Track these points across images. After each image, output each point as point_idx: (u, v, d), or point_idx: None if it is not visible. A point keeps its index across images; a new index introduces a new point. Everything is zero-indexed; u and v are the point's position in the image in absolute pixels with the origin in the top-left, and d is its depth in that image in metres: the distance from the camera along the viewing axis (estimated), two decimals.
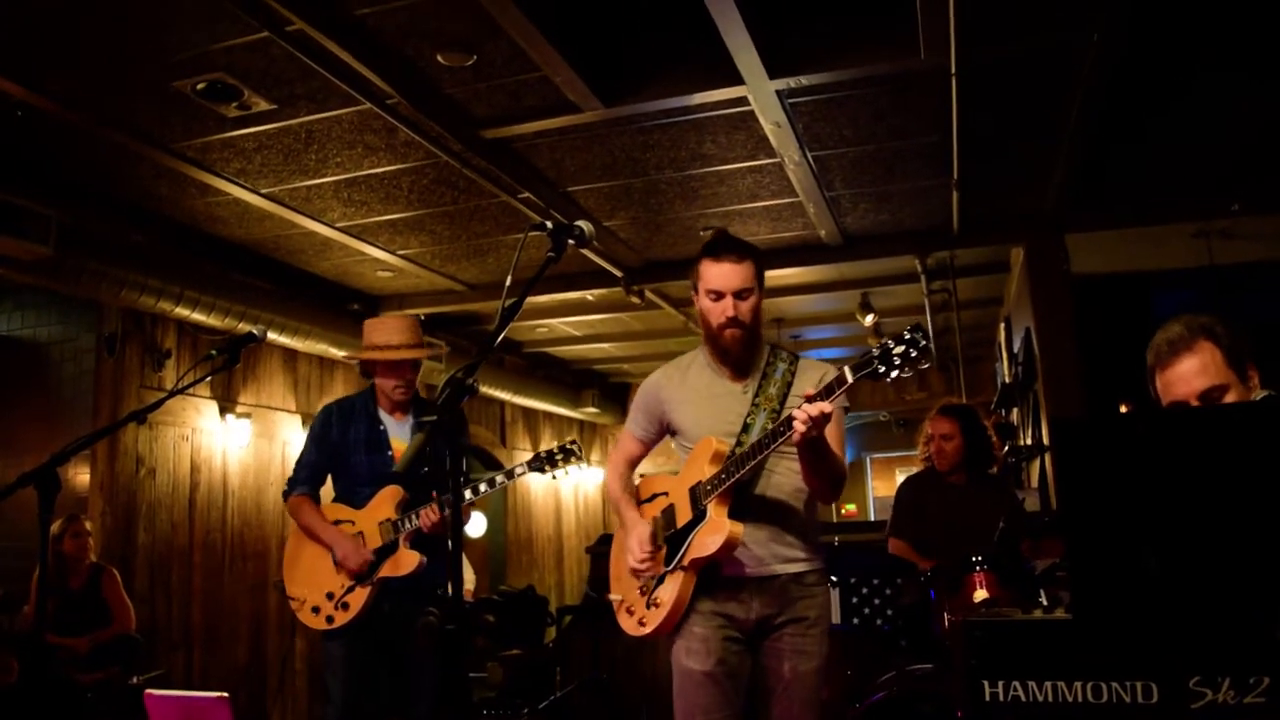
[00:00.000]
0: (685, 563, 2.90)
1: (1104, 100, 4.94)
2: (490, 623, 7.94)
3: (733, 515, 2.85)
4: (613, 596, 3.20)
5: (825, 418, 2.57)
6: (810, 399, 2.57)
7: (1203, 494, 1.60)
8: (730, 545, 2.81)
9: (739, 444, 2.93)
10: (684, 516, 2.97)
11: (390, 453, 3.95)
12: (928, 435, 4.81)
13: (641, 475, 3.34)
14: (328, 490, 4.10)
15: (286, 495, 4.02)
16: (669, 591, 2.93)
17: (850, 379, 2.60)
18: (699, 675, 2.88)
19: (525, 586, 9.07)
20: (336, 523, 3.88)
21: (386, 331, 3.99)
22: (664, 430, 3.22)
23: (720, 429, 3.00)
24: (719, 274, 2.97)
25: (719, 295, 2.97)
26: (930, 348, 2.55)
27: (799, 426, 2.57)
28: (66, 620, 5.50)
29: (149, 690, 3.02)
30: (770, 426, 2.90)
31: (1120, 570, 1.63)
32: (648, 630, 3.00)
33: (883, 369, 2.57)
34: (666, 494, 3.09)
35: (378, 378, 4.00)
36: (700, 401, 3.08)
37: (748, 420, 2.97)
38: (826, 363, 3.10)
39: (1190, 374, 2.30)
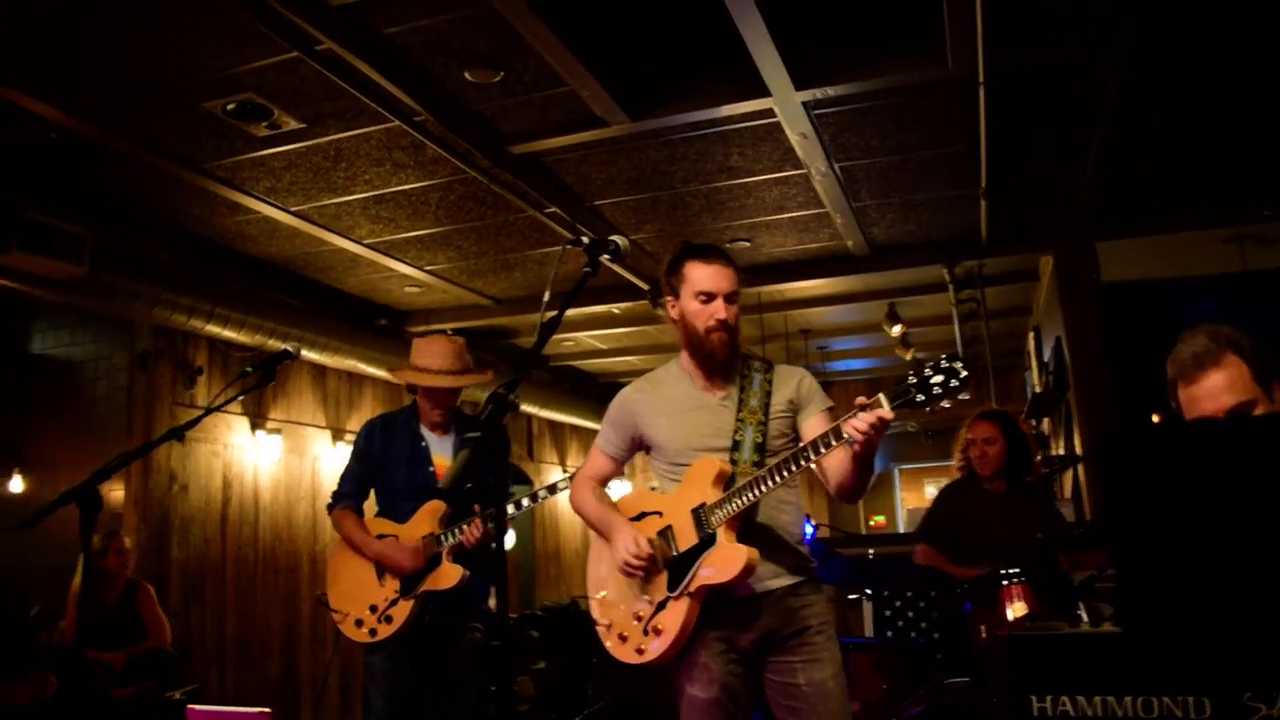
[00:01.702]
0: (692, 589, 2.77)
1: (1133, 105, 4.91)
2: (534, 639, 7.93)
3: (741, 536, 2.76)
4: (599, 620, 3.03)
5: (885, 424, 2.48)
6: (863, 408, 2.49)
7: (1251, 505, 1.58)
8: (748, 571, 2.70)
9: (733, 462, 2.84)
10: (687, 540, 2.83)
11: (431, 468, 3.97)
12: (968, 441, 4.74)
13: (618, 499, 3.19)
14: (370, 505, 4.13)
15: (331, 508, 4.05)
16: (672, 619, 2.79)
17: (889, 414, 2.48)
18: (703, 702, 2.78)
19: (569, 602, 9.06)
20: (380, 536, 3.91)
21: (430, 355, 4.00)
22: (636, 446, 3.09)
23: (701, 443, 2.90)
24: (710, 275, 2.90)
25: (710, 297, 2.88)
26: (970, 378, 2.46)
27: (858, 435, 2.49)
28: (101, 635, 5.53)
29: (190, 706, 3.03)
30: (759, 440, 2.84)
31: (1169, 583, 1.61)
32: (646, 659, 2.86)
33: (920, 398, 2.49)
34: (660, 514, 2.93)
35: (419, 397, 4.04)
36: (677, 414, 2.97)
37: (736, 437, 2.87)
38: (797, 367, 3.06)
39: (1218, 390, 2.25)
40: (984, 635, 4.02)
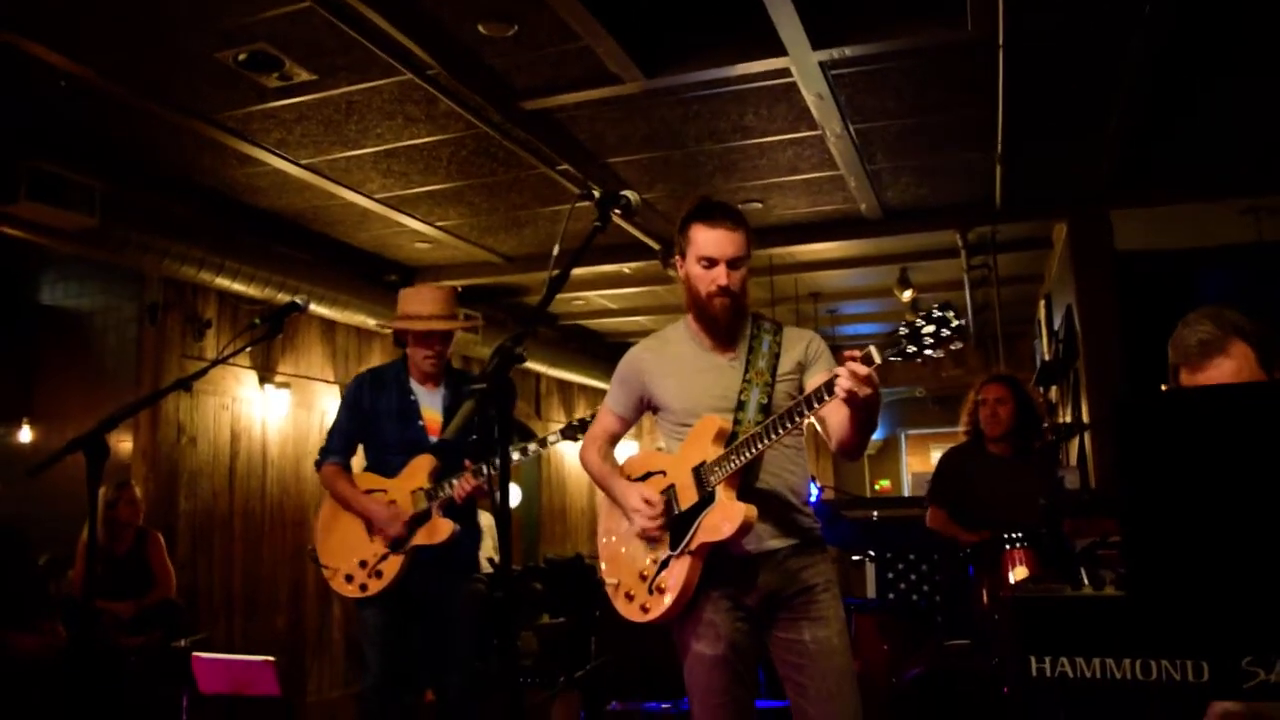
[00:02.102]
0: (693, 547, 2.79)
1: (1153, 73, 4.85)
2: (538, 591, 7.99)
3: (740, 494, 2.77)
4: (607, 580, 3.05)
5: (871, 378, 2.43)
6: (851, 359, 2.43)
7: (1262, 473, 1.57)
8: (746, 528, 2.70)
9: (737, 422, 2.84)
10: (689, 498, 2.84)
11: (421, 422, 3.97)
12: (979, 401, 4.75)
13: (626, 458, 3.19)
14: (359, 460, 4.12)
15: (319, 464, 4.04)
16: (675, 577, 2.81)
17: (878, 359, 2.44)
18: (709, 659, 2.79)
19: (573, 556, 9.10)
20: (369, 491, 3.91)
21: (419, 302, 4.00)
22: (644, 406, 3.09)
23: (709, 404, 2.90)
24: (713, 240, 2.85)
25: (711, 262, 2.85)
26: (963, 325, 2.44)
27: (844, 389, 2.44)
28: (111, 584, 5.58)
29: (196, 654, 3.06)
30: (765, 401, 2.83)
31: (1176, 548, 1.61)
32: (651, 617, 2.87)
33: (912, 349, 2.45)
34: (664, 473, 2.95)
35: (409, 347, 4.02)
36: (685, 374, 2.97)
37: (741, 397, 2.87)
38: (806, 329, 3.03)
39: (1225, 378, 2.24)
40: (985, 599, 4.04)
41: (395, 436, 3.95)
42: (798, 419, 2.65)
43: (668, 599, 2.81)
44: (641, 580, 2.91)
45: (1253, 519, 1.58)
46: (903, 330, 2.46)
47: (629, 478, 3.05)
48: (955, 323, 2.42)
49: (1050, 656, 1.90)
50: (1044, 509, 4.07)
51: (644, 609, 2.89)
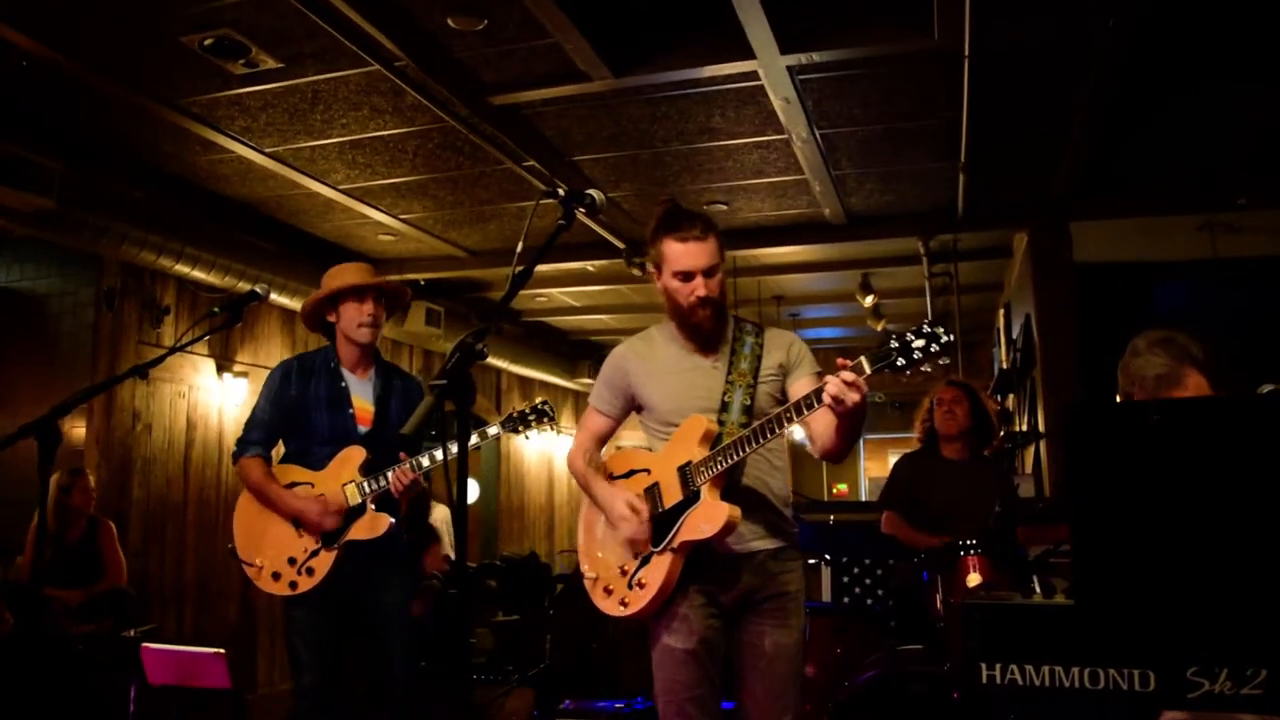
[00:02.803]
0: (675, 545, 2.83)
1: (1115, 89, 4.92)
2: (492, 588, 7.97)
3: (724, 494, 2.82)
4: (586, 574, 3.09)
5: (859, 386, 2.51)
6: (842, 367, 2.52)
7: (1209, 485, 1.60)
8: (729, 528, 2.76)
9: (721, 423, 2.89)
10: (672, 497, 2.88)
11: (351, 410, 3.80)
12: (936, 401, 4.81)
13: (619, 447, 3.23)
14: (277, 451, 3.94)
15: (237, 456, 3.82)
16: (656, 573, 2.86)
17: (868, 370, 2.54)
18: (680, 653, 2.84)
19: (528, 553, 9.09)
20: (293, 485, 3.73)
21: (350, 272, 3.88)
22: (630, 405, 3.12)
23: (693, 404, 2.94)
24: (685, 254, 2.89)
25: (688, 275, 2.89)
26: (951, 342, 2.51)
27: (833, 396, 2.50)
28: (61, 572, 5.51)
29: (146, 644, 3.03)
30: (748, 403, 2.89)
31: (1123, 558, 1.64)
32: (630, 611, 2.92)
33: (901, 362, 2.52)
34: (648, 471, 2.99)
35: (341, 322, 3.84)
36: (669, 375, 3.01)
37: (725, 399, 2.93)
38: (788, 331, 3.08)
39: None
40: (939, 605, 4.08)
41: (324, 425, 3.77)
42: (786, 424, 2.70)
43: (647, 595, 2.86)
44: (621, 575, 2.96)
45: (1198, 530, 1.61)
46: (894, 344, 2.54)
47: (611, 475, 3.09)
48: (945, 339, 2.50)
49: (1000, 663, 1.92)
50: (997, 516, 4.12)
51: (623, 604, 2.93)
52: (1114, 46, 4.45)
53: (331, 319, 3.89)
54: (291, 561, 3.66)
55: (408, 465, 3.62)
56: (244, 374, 7.46)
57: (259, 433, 3.81)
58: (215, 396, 7.29)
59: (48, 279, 6.73)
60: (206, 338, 6.73)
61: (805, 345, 3.06)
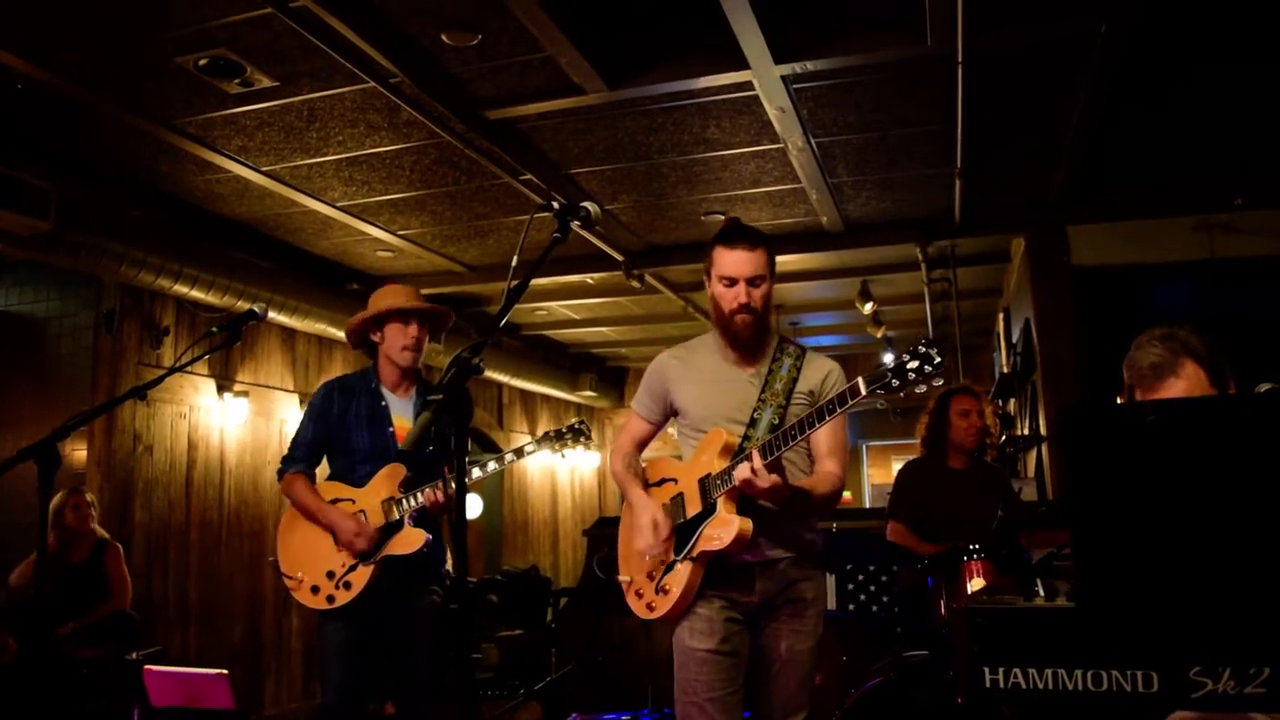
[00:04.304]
0: (694, 554, 2.94)
1: (1109, 92, 4.93)
2: (493, 603, 7.96)
3: (740, 508, 2.90)
4: (622, 577, 3.22)
5: (750, 485, 2.73)
6: (751, 463, 2.74)
7: (1208, 484, 1.60)
8: (741, 541, 2.85)
9: (746, 438, 2.98)
10: (693, 507, 3.00)
11: (392, 429, 3.89)
12: (959, 412, 4.76)
13: (646, 461, 3.33)
14: (322, 470, 4.03)
15: (281, 473, 3.94)
16: (678, 580, 2.97)
17: (864, 391, 2.66)
18: (702, 654, 2.91)
19: (529, 567, 9.08)
20: (335, 501, 3.81)
21: (395, 294, 3.96)
22: (669, 411, 3.23)
23: (725, 414, 3.04)
24: (732, 261, 3.01)
25: (732, 281, 3.01)
26: (943, 363, 2.60)
27: (740, 482, 2.75)
28: (68, 594, 5.49)
29: (149, 666, 3.02)
30: (776, 422, 2.96)
31: (1124, 560, 1.64)
32: (656, 614, 3.03)
33: (896, 383, 2.64)
34: (676, 480, 3.11)
35: (385, 344, 3.93)
36: (706, 384, 3.11)
37: (755, 415, 3.01)
38: (830, 359, 3.15)
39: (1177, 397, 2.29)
40: (944, 610, 4.07)
41: (365, 444, 3.86)
42: (789, 445, 2.80)
43: (670, 600, 2.97)
44: (649, 580, 3.08)
45: (1198, 530, 1.61)
46: (889, 365, 2.66)
47: (647, 481, 3.22)
48: (938, 360, 2.60)
49: (1003, 667, 1.92)
50: (1000, 521, 4.11)
51: (650, 607, 3.05)
52: (1106, 50, 4.46)
53: (375, 338, 3.98)
54: (330, 575, 3.74)
55: (440, 484, 3.67)
56: (244, 393, 7.46)
57: (302, 450, 3.92)
58: (216, 417, 7.28)
59: (47, 302, 6.73)
60: (206, 357, 6.74)
61: (842, 378, 3.11)
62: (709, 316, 3.21)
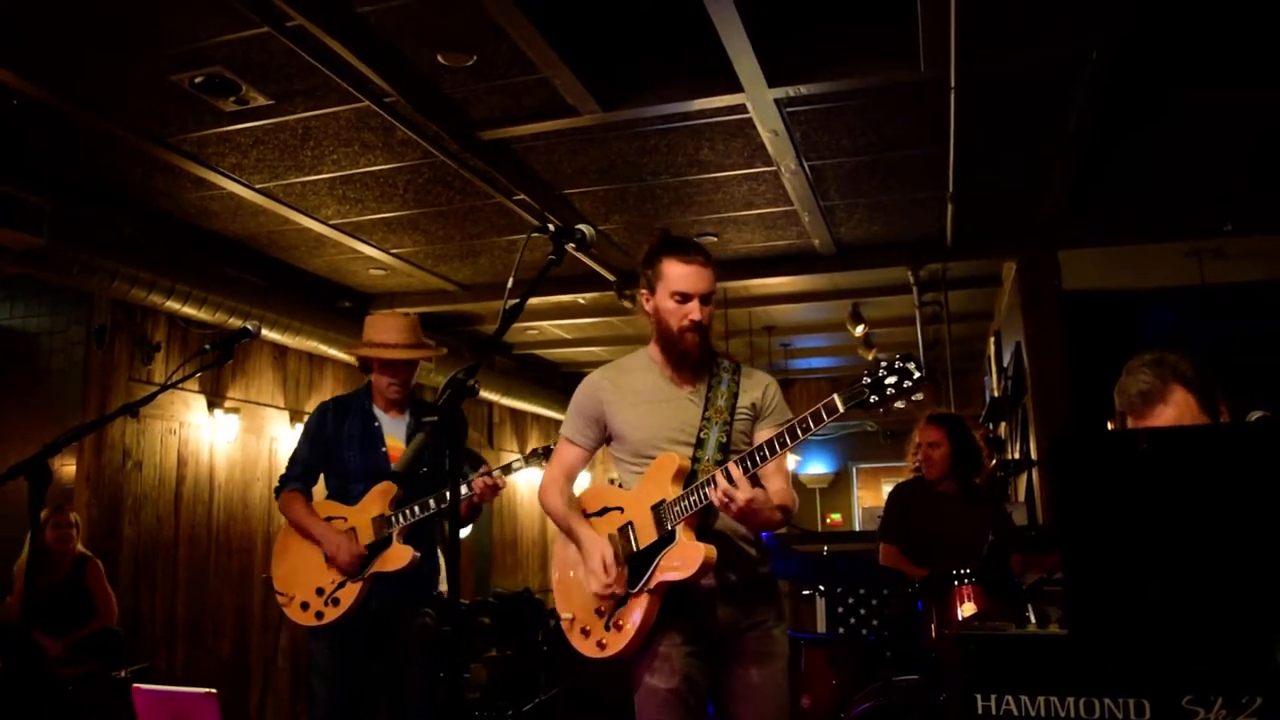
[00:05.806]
0: (651, 585, 2.77)
1: (1100, 116, 4.96)
2: (485, 624, 7.92)
3: (698, 535, 2.78)
4: (563, 614, 3.01)
5: (730, 499, 2.61)
6: (730, 475, 2.63)
7: (1200, 512, 1.60)
8: (706, 568, 2.70)
9: (696, 459, 2.85)
10: (647, 537, 2.82)
11: (384, 449, 3.92)
12: (916, 444, 4.82)
13: (585, 490, 3.17)
14: (319, 490, 4.07)
15: (279, 492, 3.99)
16: (633, 614, 2.79)
17: (841, 408, 2.53)
18: (664, 694, 2.77)
19: (521, 590, 9.03)
20: (328, 519, 3.85)
21: (385, 330, 3.99)
22: (603, 436, 3.04)
23: (669, 436, 2.90)
24: (687, 276, 2.87)
25: (685, 298, 2.87)
26: (924, 377, 2.49)
27: (719, 498, 2.63)
28: (50, 611, 5.45)
29: (136, 685, 3.00)
30: (724, 440, 2.86)
31: (1116, 587, 1.64)
32: (608, 653, 2.84)
33: (874, 399, 2.52)
34: (621, 509, 2.92)
35: (374, 374, 4.00)
36: (645, 405, 2.95)
37: (701, 435, 2.88)
38: (775, 385, 3.07)
39: (1167, 424, 2.29)
40: (934, 634, 4.07)
41: (357, 464, 3.90)
42: (760, 464, 2.69)
43: (625, 637, 2.79)
44: (598, 616, 2.88)
45: (1190, 558, 1.61)
46: (866, 381, 2.53)
47: (586, 512, 3.01)
48: (916, 375, 2.48)
49: (995, 694, 1.91)
50: (991, 545, 4.11)
51: (600, 645, 2.86)
52: (1098, 75, 4.49)
53: (367, 365, 4.05)
54: (319, 592, 3.76)
55: (489, 470, 3.72)
56: (235, 410, 7.44)
57: (298, 469, 3.99)
58: (206, 434, 7.26)
59: (38, 317, 6.71)
60: (198, 374, 6.72)
61: (779, 391, 3.03)
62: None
